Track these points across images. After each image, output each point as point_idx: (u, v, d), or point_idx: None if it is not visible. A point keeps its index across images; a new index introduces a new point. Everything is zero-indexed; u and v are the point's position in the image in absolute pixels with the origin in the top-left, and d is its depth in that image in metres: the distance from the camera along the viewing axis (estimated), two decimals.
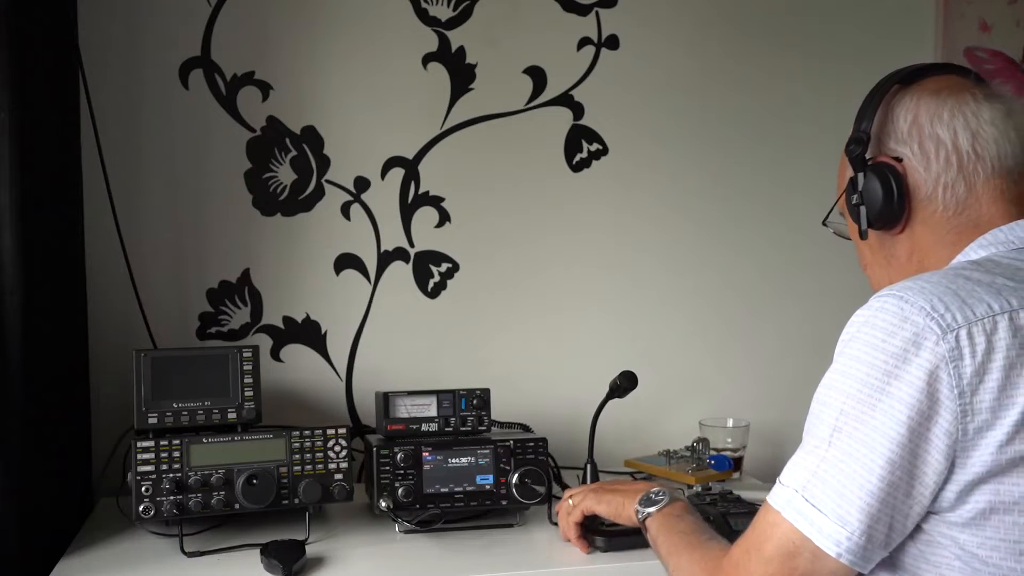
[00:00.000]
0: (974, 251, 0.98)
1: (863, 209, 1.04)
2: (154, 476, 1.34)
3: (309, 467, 1.42)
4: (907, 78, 1.06)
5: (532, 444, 1.49)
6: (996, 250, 0.97)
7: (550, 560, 1.36)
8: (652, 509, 1.22)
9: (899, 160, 1.02)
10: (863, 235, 1.06)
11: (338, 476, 1.44)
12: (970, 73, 1.07)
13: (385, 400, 1.51)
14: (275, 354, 1.81)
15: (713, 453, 1.77)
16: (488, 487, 1.47)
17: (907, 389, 0.85)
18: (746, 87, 2.02)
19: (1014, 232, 0.97)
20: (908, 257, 1.04)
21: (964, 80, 1.05)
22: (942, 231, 1.01)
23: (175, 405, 1.43)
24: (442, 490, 1.45)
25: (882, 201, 1.02)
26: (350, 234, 1.83)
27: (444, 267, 1.88)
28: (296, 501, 1.40)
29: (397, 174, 1.85)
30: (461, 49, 1.87)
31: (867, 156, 1.05)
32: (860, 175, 1.04)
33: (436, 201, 1.87)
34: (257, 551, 1.32)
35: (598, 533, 1.37)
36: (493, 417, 1.57)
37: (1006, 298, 0.87)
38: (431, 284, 1.88)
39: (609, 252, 1.96)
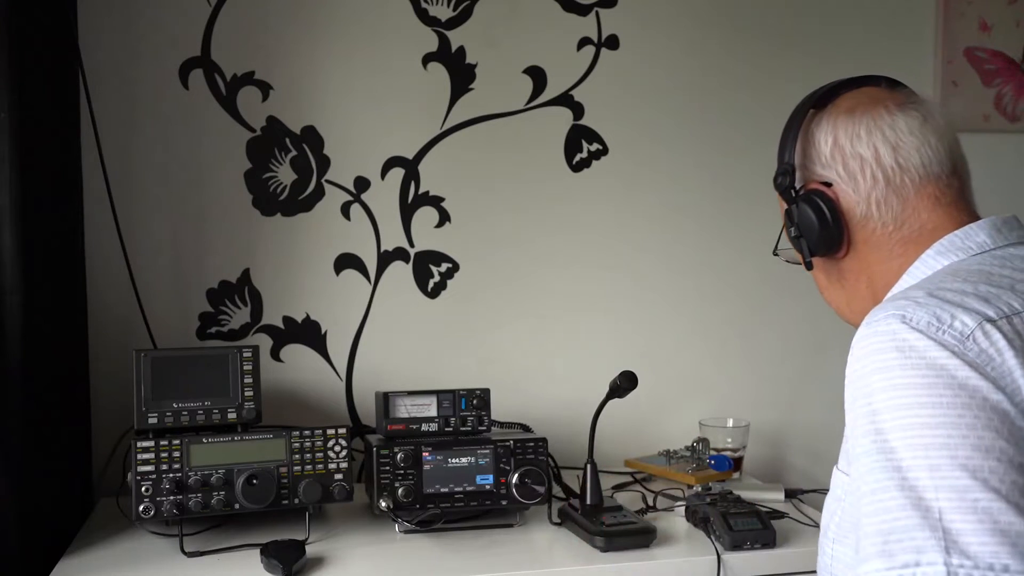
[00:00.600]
0: (933, 259, 0.97)
1: (803, 241, 1.04)
2: (154, 476, 1.34)
3: (309, 467, 1.42)
4: (820, 100, 1.05)
5: (532, 444, 1.49)
6: (957, 257, 0.95)
7: (550, 560, 1.36)
8: None
9: (828, 184, 1.02)
10: (808, 266, 1.07)
11: (338, 476, 1.44)
12: (881, 80, 1.06)
13: (385, 400, 1.51)
14: (275, 354, 1.81)
15: (713, 453, 1.77)
16: (488, 487, 1.47)
17: (961, 397, 0.78)
18: (746, 87, 2.02)
19: (971, 238, 0.96)
20: (858, 277, 1.04)
21: (878, 92, 1.04)
22: (887, 246, 1.00)
23: (175, 405, 1.43)
24: (442, 490, 1.45)
25: (818, 228, 1.02)
26: (350, 234, 1.83)
27: (444, 267, 1.88)
28: (296, 501, 1.40)
29: (397, 174, 1.86)
30: (461, 49, 1.87)
31: (796, 186, 1.05)
32: (794, 206, 1.04)
33: (436, 201, 1.87)
34: (257, 551, 1.32)
35: (598, 533, 1.37)
36: (493, 417, 1.57)
37: (1006, 302, 0.84)
38: (431, 284, 1.88)
39: (609, 252, 1.96)
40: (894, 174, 0.98)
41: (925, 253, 0.97)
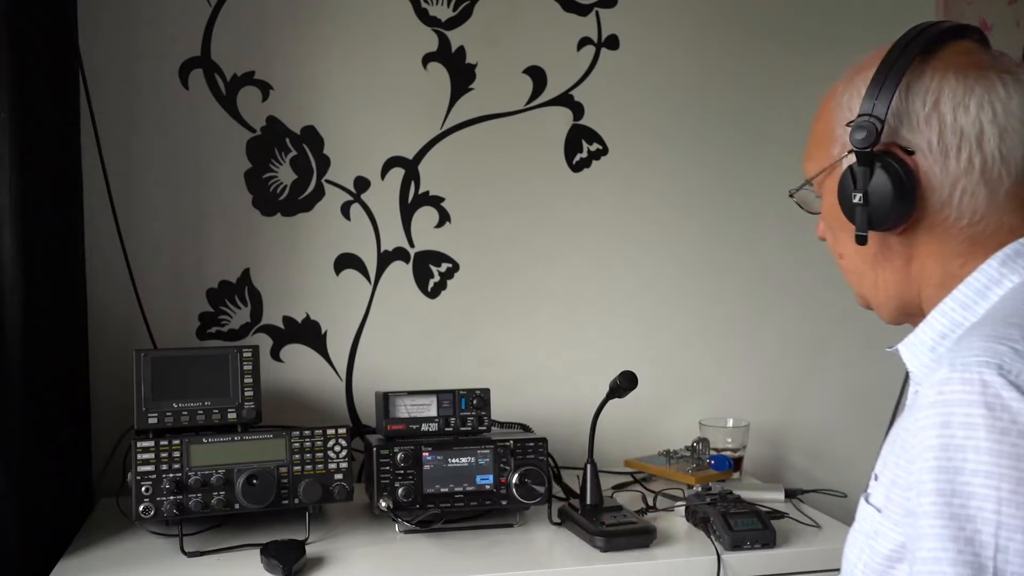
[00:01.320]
0: (996, 270, 0.84)
1: (864, 209, 0.87)
2: (154, 476, 1.34)
3: (309, 467, 1.42)
4: (929, 45, 0.87)
5: (532, 444, 1.49)
6: None
7: (550, 560, 1.36)
8: None
9: (910, 153, 0.85)
10: (862, 240, 0.89)
11: (338, 476, 1.44)
12: (987, 41, 0.91)
13: (385, 400, 1.51)
14: (275, 354, 1.81)
15: (713, 453, 1.77)
16: (488, 487, 1.47)
17: None
18: (746, 87, 2.02)
19: None
20: (905, 263, 0.90)
21: (985, 54, 0.88)
22: (952, 242, 0.86)
23: (175, 405, 1.43)
24: (442, 490, 1.45)
25: (892, 200, 0.85)
26: (350, 234, 1.83)
27: (444, 267, 1.88)
28: (296, 501, 1.40)
29: (397, 174, 1.85)
30: (461, 49, 1.87)
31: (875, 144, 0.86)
32: (866, 167, 0.86)
33: (436, 201, 1.87)
34: (257, 551, 1.32)
35: (598, 533, 1.37)
36: (493, 417, 1.57)
37: None
38: (431, 284, 1.88)
39: (609, 252, 1.96)
40: (992, 163, 0.83)
41: (987, 263, 0.85)
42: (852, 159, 0.88)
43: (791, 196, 1.04)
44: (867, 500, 0.86)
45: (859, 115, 0.87)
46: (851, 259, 0.96)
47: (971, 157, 0.83)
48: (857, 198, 0.87)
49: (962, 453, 0.71)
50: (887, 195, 0.85)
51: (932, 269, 0.88)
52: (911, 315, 0.94)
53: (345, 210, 1.83)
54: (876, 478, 0.85)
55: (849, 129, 0.87)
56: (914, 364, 0.89)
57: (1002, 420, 0.70)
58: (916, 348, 0.88)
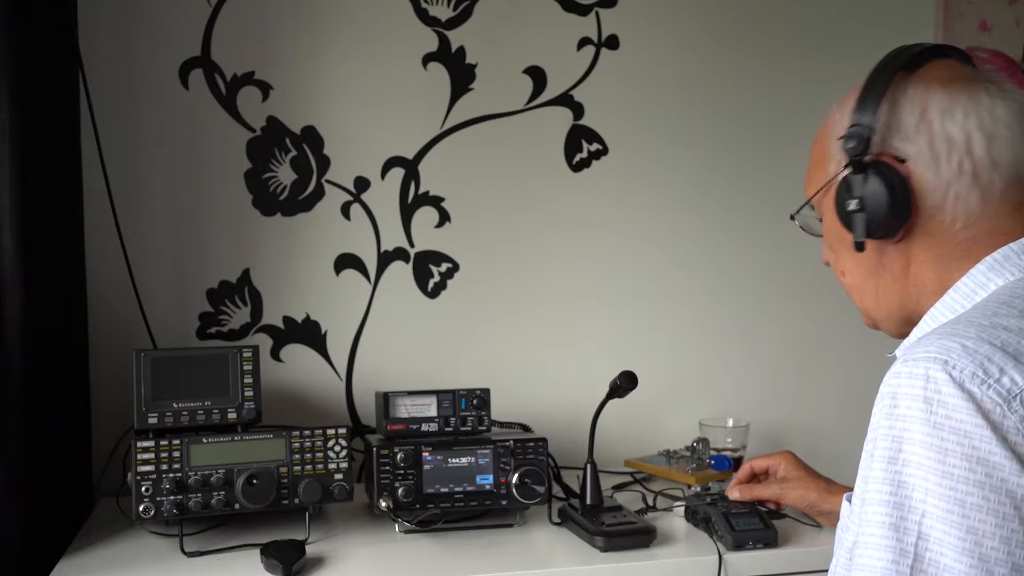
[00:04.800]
0: (983, 275, 0.87)
1: (860, 216, 0.90)
2: (154, 476, 1.34)
3: (309, 467, 1.42)
4: (909, 64, 0.92)
5: (532, 444, 1.49)
6: (1012, 276, 0.85)
7: (550, 560, 1.36)
8: None
9: (902, 161, 0.89)
10: (860, 247, 0.92)
11: (338, 476, 1.44)
12: (969, 59, 0.95)
13: (385, 400, 1.51)
14: (275, 354, 1.81)
15: (713, 453, 1.77)
16: (488, 487, 1.47)
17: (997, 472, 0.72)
18: (747, 87, 2.02)
19: None
20: (903, 271, 0.93)
21: (967, 67, 0.93)
22: (948, 245, 0.89)
23: (175, 405, 1.43)
24: (442, 490, 1.45)
25: (887, 207, 0.88)
26: (350, 234, 1.83)
27: (444, 267, 1.88)
28: (296, 501, 1.40)
29: (397, 174, 1.85)
30: (461, 49, 1.87)
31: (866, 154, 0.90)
32: (860, 176, 0.90)
33: (436, 201, 1.87)
34: (257, 551, 1.32)
35: (598, 533, 1.37)
36: (493, 417, 1.57)
37: None
38: (431, 284, 1.88)
39: (609, 252, 1.96)
40: (983, 168, 0.87)
41: (976, 268, 0.87)
42: (848, 172, 0.92)
43: (792, 219, 1.07)
44: (848, 499, 0.90)
45: (850, 126, 0.91)
46: (853, 274, 0.98)
47: (961, 162, 0.86)
48: (853, 204, 0.90)
49: (899, 444, 0.75)
50: (882, 200, 0.88)
51: (928, 276, 0.91)
52: (914, 324, 0.95)
53: (345, 210, 1.83)
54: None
55: (841, 143, 0.92)
56: None
57: (937, 415, 0.74)
58: None
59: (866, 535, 0.76)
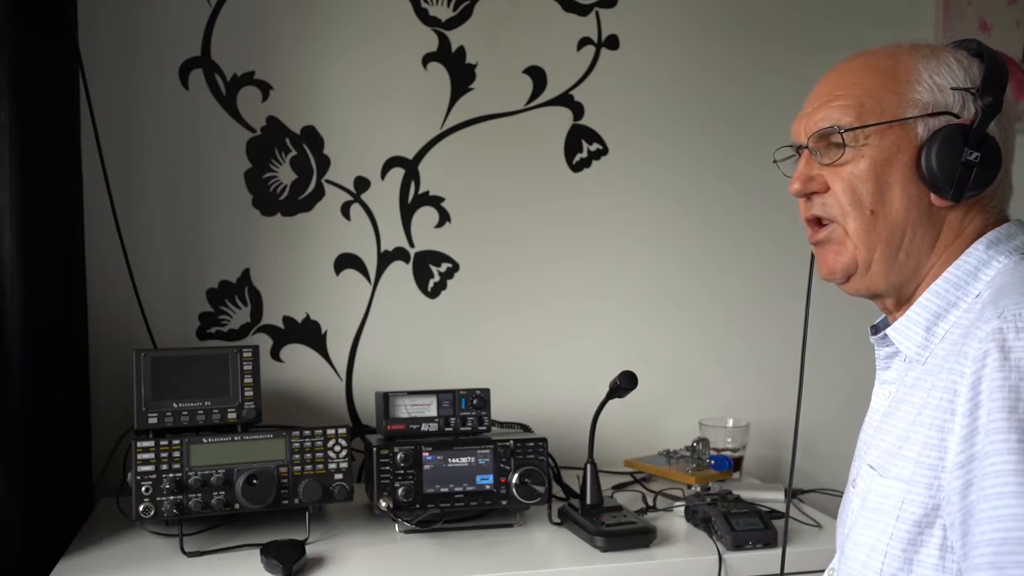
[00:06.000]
0: (983, 252, 0.91)
1: (977, 169, 0.91)
2: (154, 476, 1.34)
3: (309, 467, 1.42)
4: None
5: (532, 444, 1.49)
6: (1008, 258, 0.91)
7: (550, 560, 1.36)
8: None
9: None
10: (958, 196, 0.91)
11: (338, 476, 1.44)
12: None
13: (385, 400, 1.51)
14: (275, 354, 1.81)
15: (713, 453, 1.77)
16: (488, 487, 1.47)
17: None
18: (746, 87, 2.02)
19: (1016, 237, 0.92)
20: (935, 236, 0.94)
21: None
22: (973, 224, 0.93)
23: (175, 405, 1.43)
24: (442, 490, 1.45)
25: (989, 167, 0.91)
26: (350, 234, 1.83)
27: (444, 267, 1.88)
28: (296, 501, 1.40)
29: (397, 174, 1.85)
30: (461, 49, 1.87)
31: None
32: (993, 123, 0.92)
33: (436, 201, 1.87)
34: (257, 551, 1.32)
35: (598, 533, 1.37)
36: (493, 417, 1.57)
37: None
38: (431, 284, 1.88)
39: (609, 252, 1.96)
40: (1007, 156, 0.94)
41: (973, 246, 0.92)
42: (931, 122, 0.92)
43: (806, 147, 1.08)
44: (881, 474, 0.91)
45: (982, 86, 0.92)
46: (887, 218, 0.94)
47: (1009, 152, 0.93)
48: (973, 156, 0.90)
49: (1018, 392, 0.77)
50: (995, 160, 0.91)
51: (943, 246, 0.94)
52: (888, 296, 0.97)
53: (345, 210, 1.83)
54: (894, 454, 0.89)
55: (969, 95, 0.92)
56: (907, 345, 0.94)
57: None
58: (910, 331, 0.94)
59: (998, 486, 0.77)
